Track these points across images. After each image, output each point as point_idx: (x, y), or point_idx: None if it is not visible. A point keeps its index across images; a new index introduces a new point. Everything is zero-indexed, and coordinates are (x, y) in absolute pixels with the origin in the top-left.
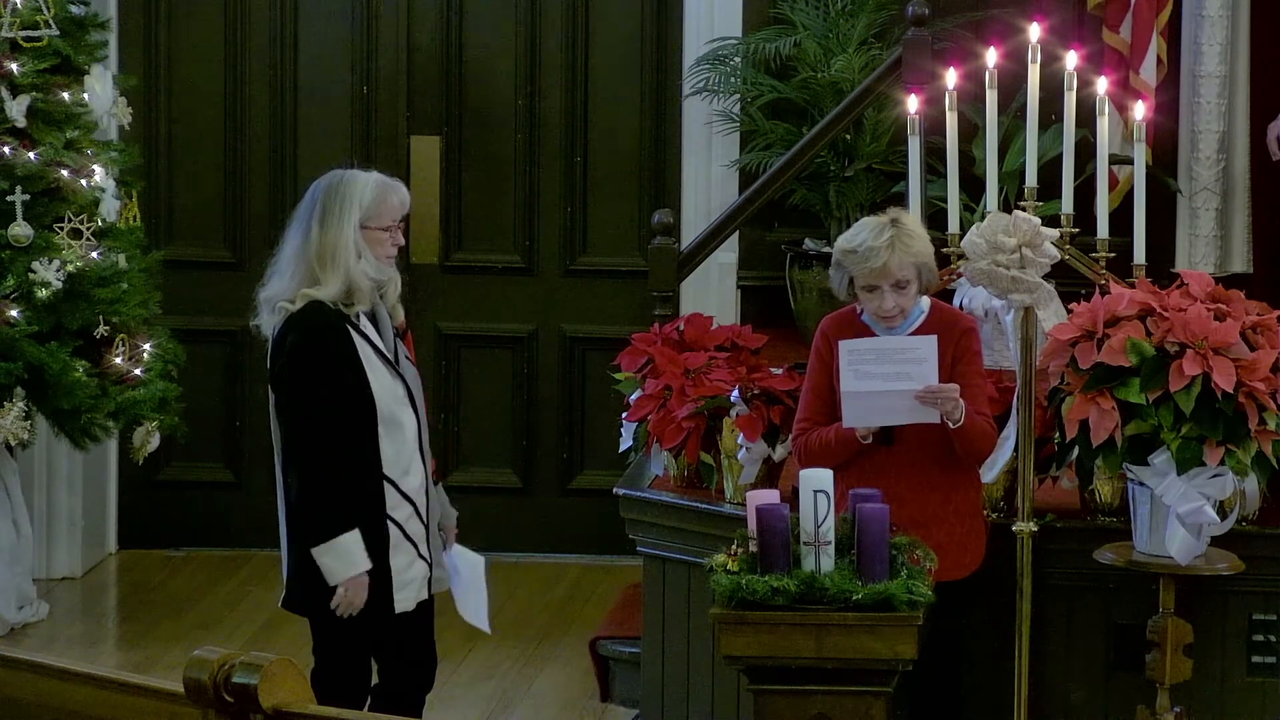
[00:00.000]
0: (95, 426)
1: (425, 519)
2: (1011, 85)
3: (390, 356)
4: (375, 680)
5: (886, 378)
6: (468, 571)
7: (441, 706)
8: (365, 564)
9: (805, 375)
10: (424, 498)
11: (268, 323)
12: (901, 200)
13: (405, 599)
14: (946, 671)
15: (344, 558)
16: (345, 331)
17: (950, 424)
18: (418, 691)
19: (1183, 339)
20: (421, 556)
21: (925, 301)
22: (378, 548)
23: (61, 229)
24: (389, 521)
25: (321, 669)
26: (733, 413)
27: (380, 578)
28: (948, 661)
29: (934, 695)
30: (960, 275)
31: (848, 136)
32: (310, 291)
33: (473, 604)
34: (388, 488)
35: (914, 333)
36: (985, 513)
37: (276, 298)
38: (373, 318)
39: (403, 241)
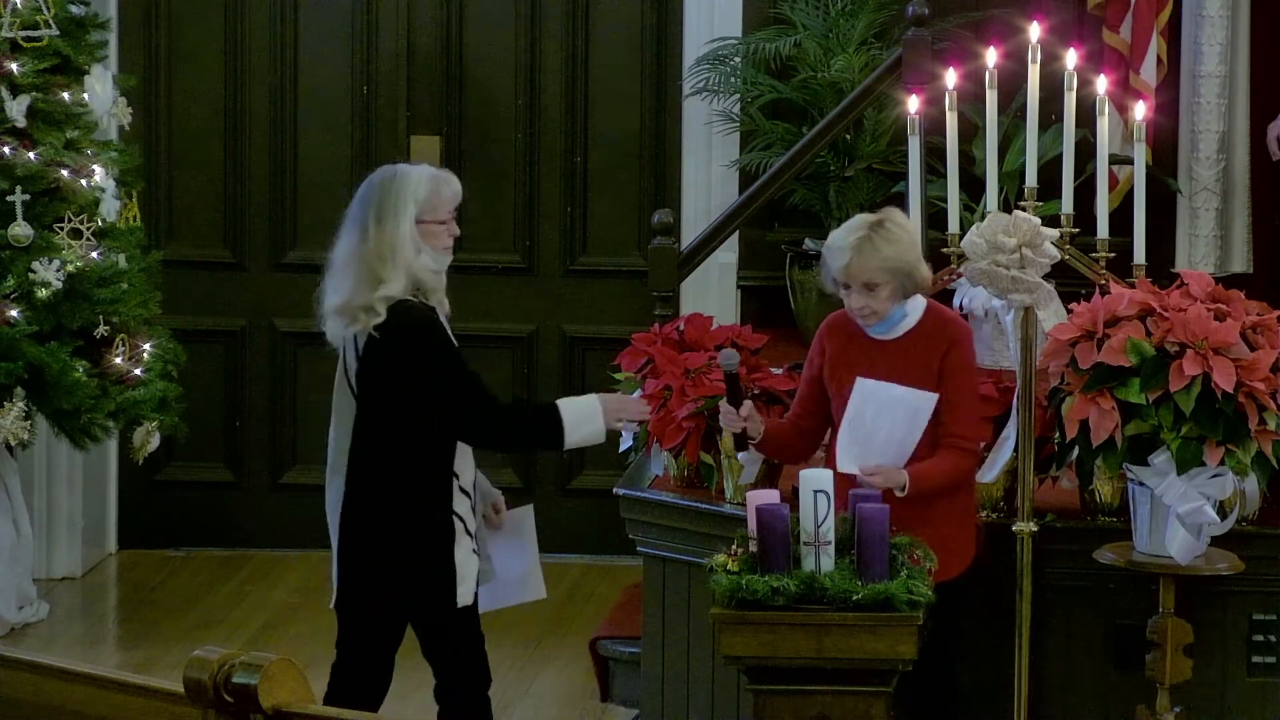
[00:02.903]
0: (95, 426)
1: (476, 512)
2: (1011, 85)
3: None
4: (433, 680)
5: (878, 424)
6: (516, 530)
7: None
8: (597, 402)
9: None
10: (475, 492)
11: (337, 332)
12: (901, 200)
13: (466, 592)
14: (946, 671)
15: (583, 417)
16: (440, 322)
17: (897, 494)
18: (480, 687)
19: (1183, 339)
20: (475, 551)
21: (919, 303)
22: (443, 542)
23: (61, 229)
24: (453, 515)
25: (342, 665)
26: None
27: (444, 572)
28: (947, 661)
29: (934, 695)
30: (960, 275)
31: (848, 136)
32: (385, 294)
33: (521, 569)
34: (452, 481)
35: (903, 335)
36: (983, 514)
37: (349, 305)
38: None
39: (458, 231)
